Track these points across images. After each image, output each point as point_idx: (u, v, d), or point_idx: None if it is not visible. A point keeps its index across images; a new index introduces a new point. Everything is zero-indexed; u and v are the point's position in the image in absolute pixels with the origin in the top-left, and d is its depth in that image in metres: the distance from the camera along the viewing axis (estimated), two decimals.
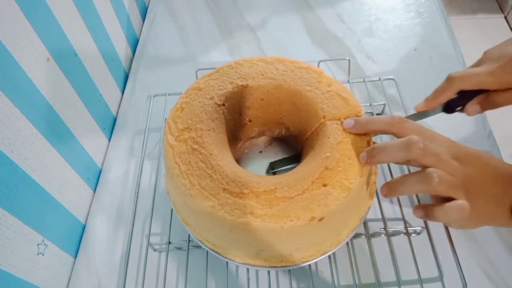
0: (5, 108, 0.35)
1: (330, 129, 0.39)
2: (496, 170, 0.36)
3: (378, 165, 0.45)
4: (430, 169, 0.33)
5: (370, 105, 0.55)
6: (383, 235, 0.43)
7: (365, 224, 0.43)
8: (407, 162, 0.36)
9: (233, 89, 0.43)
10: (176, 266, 0.45)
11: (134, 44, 0.69)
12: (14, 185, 0.36)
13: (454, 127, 0.39)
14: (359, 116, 0.40)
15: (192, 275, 0.43)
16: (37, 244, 0.40)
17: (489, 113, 0.45)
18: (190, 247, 0.44)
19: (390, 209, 0.47)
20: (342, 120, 0.40)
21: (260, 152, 0.48)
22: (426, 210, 0.35)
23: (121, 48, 0.64)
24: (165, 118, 0.54)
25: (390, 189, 0.35)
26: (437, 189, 0.33)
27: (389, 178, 0.48)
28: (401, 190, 0.35)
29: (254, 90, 0.44)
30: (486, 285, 0.42)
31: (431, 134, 0.36)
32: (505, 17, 1.76)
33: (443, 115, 0.43)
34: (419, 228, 0.43)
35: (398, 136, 0.36)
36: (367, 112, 0.55)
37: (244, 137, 0.47)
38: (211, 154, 0.38)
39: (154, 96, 0.57)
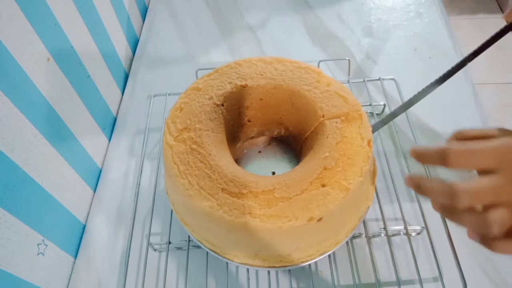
0: (5, 108, 0.35)
1: (329, 128, 0.39)
2: None
3: (377, 165, 0.45)
4: (489, 218, 0.28)
5: (370, 105, 0.55)
6: (383, 235, 0.43)
7: (365, 224, 0.43)
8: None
9: (232, 89, 0.43)
10: (176, 266, 0.45)
11: (134, 44, 0.70)
12: (14, 185, 0.36)
13: (453, 127, 0.39)
14: (359, 114, 0.40)
15: (192, 275, 0.43)
16: (37, 244, 0.40)
17: (489, 112, 0.45)
18: (190, 247, 0.44)
19: (390, 209, 0.47)
20: (341, 118, 0.40)
21: (259, 152, 0.48)
22: (484, 239, 0.30)
23: (121, 48, 0.64)
24: (165, 118, 0.54)
25: (438, 208, 0.31)
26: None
27: (388, 178, 0.48)
28: (451, 220, 0.30)
29: (253, 90, 0.44)
30: (486, 285, 0.42)
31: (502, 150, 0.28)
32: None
33: (438, 112, 0.41)
34: (419, 228, 0.43)
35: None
36: (367, 112, 0.55)
37: (243, 137, 0.47)
38: (210, 154, 0.38)
39: (154, 96, 0.58)
